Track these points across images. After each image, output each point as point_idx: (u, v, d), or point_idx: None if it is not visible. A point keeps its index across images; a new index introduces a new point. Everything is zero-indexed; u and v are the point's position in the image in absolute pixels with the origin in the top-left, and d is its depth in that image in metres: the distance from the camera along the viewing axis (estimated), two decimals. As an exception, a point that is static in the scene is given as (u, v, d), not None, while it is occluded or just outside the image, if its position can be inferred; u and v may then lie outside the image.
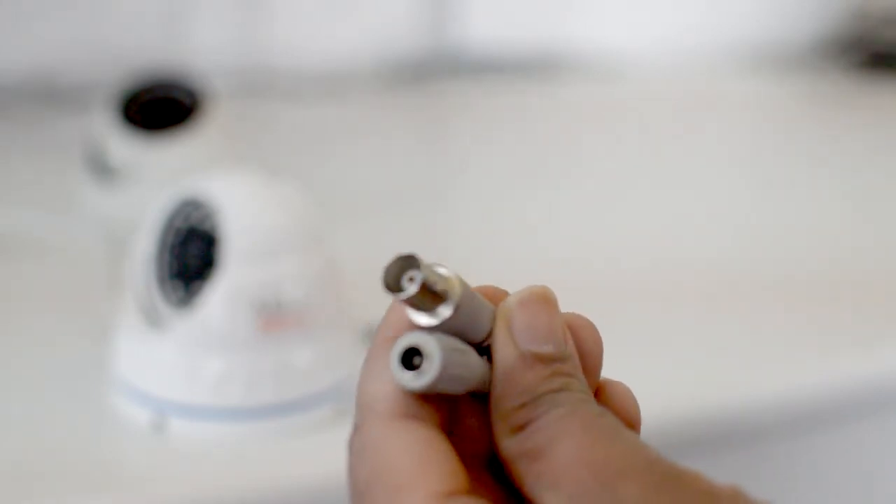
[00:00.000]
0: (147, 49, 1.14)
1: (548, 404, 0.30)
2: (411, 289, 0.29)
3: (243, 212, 0.57)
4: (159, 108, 0.83)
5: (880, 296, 0.78)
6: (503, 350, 0.31)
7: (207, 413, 0.58)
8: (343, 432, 0.58)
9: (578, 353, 0.32)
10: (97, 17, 1.14)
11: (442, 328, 0.30)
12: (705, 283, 0.79)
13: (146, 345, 0.58)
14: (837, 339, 0.72)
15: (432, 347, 0.29)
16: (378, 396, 0.30)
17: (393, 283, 0.29)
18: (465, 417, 0.32)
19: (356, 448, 0.30)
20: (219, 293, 0.56)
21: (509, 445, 0.30)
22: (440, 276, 0.29)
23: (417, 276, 0.29)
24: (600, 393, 0.33)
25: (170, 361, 0.57)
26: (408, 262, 0.29)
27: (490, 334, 0.31)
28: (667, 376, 0.63)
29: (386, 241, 0.84)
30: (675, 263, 0.82)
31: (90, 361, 0.63)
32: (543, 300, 0.31)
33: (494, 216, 0.90)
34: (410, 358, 0.29)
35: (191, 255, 0.57)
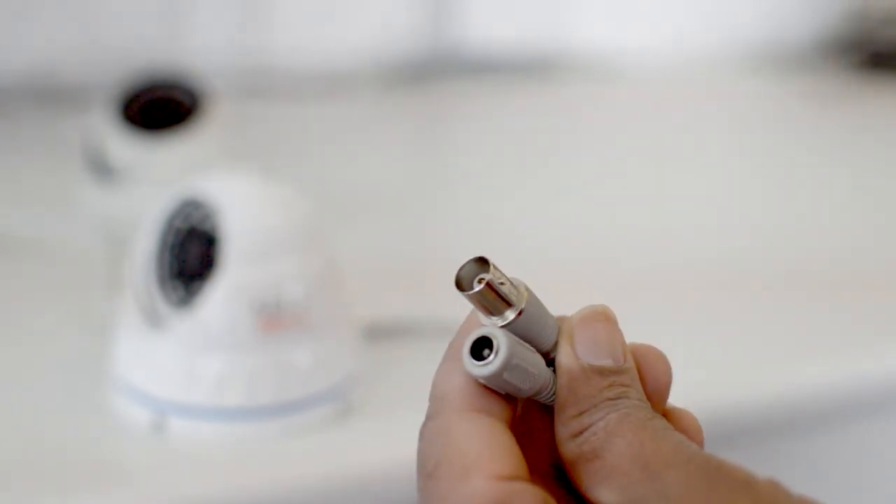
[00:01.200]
0: (147, 49, 1.14)
1: (604, 410, 0.32)
2: (477, 288, 0.32)
3: (243, 212, 0.57)
4: (159, 108, 0.83)
5: (881, 295, 0.78)
6: (566, 363, 0.33)
7: (207, 413, 0.58)
8: (343, 433, 0.58)
9: (645, 379, 0.34)
10: (97, 17, 1.14)
11: (509, 331, 0.32)
12: (705, 284, 0.79)
13: (146, 345, 0.58)
14: (838, 339, 0.72)
15: (500, 338, 0.31)
16: (452, 390, 0.32)
17: (465, 284, 0.32)
18: (535, 430, 0.35)
19: (427, 434, 0.32)
20: (219, 293, 0.56)
21: (569, 449, 0.33)
22: (509, 280, 0.32)
23: (486, 276, 0.32)
24: (666, 417, 0.35)
25: (170, 361, 0.57)
26: (480, 265, 0.32)
27: (555, 347, 0.34)
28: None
29: (386, 241, 0.84)
30: (675, 263, 0.82)
31: (90, 361, 0.63)
32: (604, 318, 0.34)
33: (494, 216, 0.90)
34: (480, 351, 0.32)
35: (191, 255, 0.57)
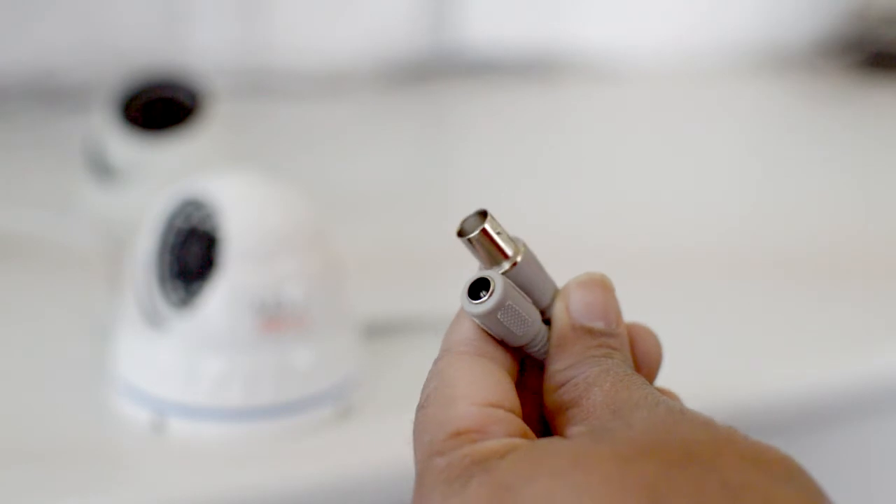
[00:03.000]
0: (147, 49, 1.14)
1: (587, 365, 0.34)
2: (475, 233, 0.34)
3: (243, 212, 0.57)
4: (159, 108, 0.83)
5: (881, 294, 0.78)
6: (559, 321, 0.35)
7: (207, 413, 0.58)
8: (343, 433, 0.58)
9: (636, 354, 0.36)
10: (97, 17, 1.14)
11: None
12: (705, 282, 0.79)
13: (146, 345, 0.58)
14: (838, 338, 0.72)
15: (496, 279, 0.33)
16: (457, 339, 0.35)
17: (465, 232, 0.34)
18: (529, 389, 0.36)
19: (428, 376, 0.34)
20: (219, 293, 0.56)
21: (552, 400, 0.34)
22: (507, 235, 0.35)
23: (484, 225, 0.34)
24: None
25: (170, 361, 0.57)
26: (482, 218, 0.34)
27: (550, 306, 0.36)
28: (666, 376, 0.63)
29: (386, 241, 0.84)
30: (675, 263, 0.82)
31: (90, 361, 0.63)
32: (600, 284, 0.36)
33: (494, 215, 0.90)
34: (478, 293, 0.34)
35: (191, 256, 0.57)
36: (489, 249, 0.35)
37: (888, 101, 1.30)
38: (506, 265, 0.35)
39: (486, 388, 0.33)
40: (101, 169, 0.82)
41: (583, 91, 1.30)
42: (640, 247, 0.85)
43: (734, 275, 0.81)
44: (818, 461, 0.69)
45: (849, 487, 0.71)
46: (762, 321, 0.74)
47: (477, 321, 0.34)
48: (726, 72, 1.38)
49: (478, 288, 0.34)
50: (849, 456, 0.71)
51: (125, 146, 0.81)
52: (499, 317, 0.34)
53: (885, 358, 0.71)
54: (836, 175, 1.08)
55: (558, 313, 0.35)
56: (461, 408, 0.32)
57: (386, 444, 0.57)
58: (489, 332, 0.34)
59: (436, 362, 0.34)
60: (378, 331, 0.67)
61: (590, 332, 0.35)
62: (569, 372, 0.34)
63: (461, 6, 1.28)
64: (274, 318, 0.57)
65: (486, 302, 0.33)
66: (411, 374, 0.62)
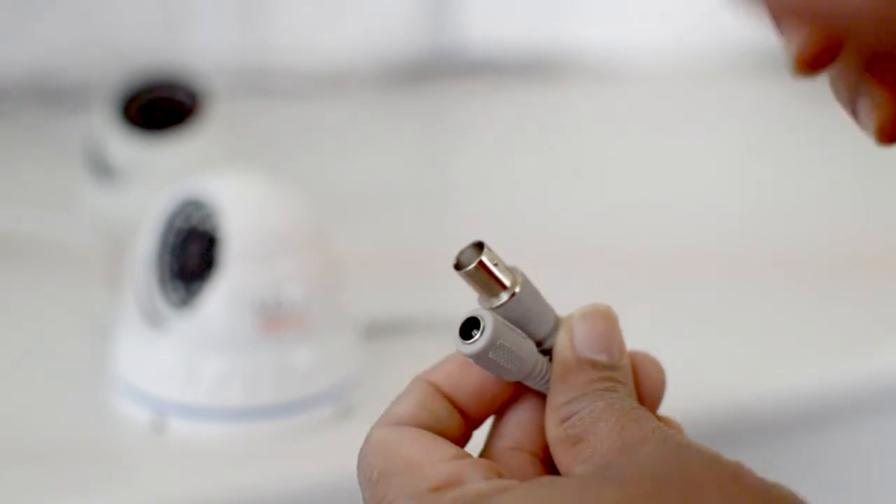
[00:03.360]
0: (147, 49, 1.14)
1: (592, 398, 0.34)
2: (472, 266, 0.34)
3: (243, 212, 0.57)
4: (159, 108, 0.83)
5: (881, 294, 0.78)
6: (562, 353, 0.35)
7: (207, 413, 0.58)
8: (343, 433, 0.58)
9: (640, 385, 0.36)
10: (97, 17, 1.14)
11: (503, 314, 0.34)
12: (705, 280, 0.79)
13: (146, 345, 0.58)
14: (838, 338, 0.72)
15: (487, 318, 0.33)
16: (394, 410, 0.34)
17: (462, 265, 0.34)
18: (531, 417, 0.36)
19: (361, 454, 0.34)
20: (219, 293, 0.56)
21: (555, 434, 0.34)
22: (505, 265, 0.34)
23: (481, 257, 0.34)
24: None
25: (170, 361, 0.57)
26: (478, 250, 0.34)
27: (550, 336, 0.35)
28: (666, 376, 0.63)
29: (386, 241, 0.84)
30: (675, 263, 0.82)
31: (90, 361, 0.63)
32: (604, 315, 0.35)
33: (494, 215, 0.90)
34: (469, 332, 0.33)
35: (191, 256, 0.57)
36: (487, 281, 0.34)
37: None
38: (504, 297, 0.34)
39: (440, 447, 0.32)
40: (101, 169, 0.82)
41: (583, 91, 1.30)
42: (640, 247, 0.85)
43: (734, 275, 0.81)
44: (818, 461, 0.69)
45: (849, 487, 0.71)
46: (762, 321, 0.74)
47: (470, 360, 0.34)
48: (726, 72, 1.38)
49: (469, 326, 0.33)
50: (849, 456, 0.71)
51: (125, 146, 0.81)
52: (490, 356, 0.33)
53: (885, 358, 0.71)
54: (836, 175, 1.08)
55: (561, 345, 0.35)
56: (428, 468, 0.32)
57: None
58: (484, 368, 0.34)
59: (366, 439, 0.34)
60: (378, 331, 0.67)
61: (594, 364, 0.34)
62: (573, 406, 0.34)
63: (461, 6, 1.28)
64: (274, 318, 0.57)
65: (477, 342, 0.33)
66: (411, 374, 0.61)
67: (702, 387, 0.63)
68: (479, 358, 0.33)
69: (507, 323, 0.34)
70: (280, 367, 0.58)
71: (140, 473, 0.57)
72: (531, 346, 0.35)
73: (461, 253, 0.34)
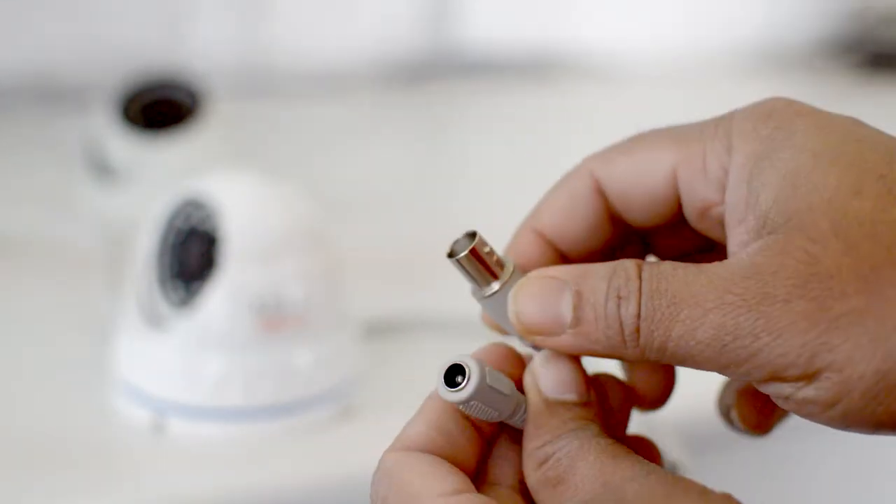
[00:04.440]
0: (147, 49, 1.14)
1: (567, 439, 0.33)
2: (464, 254, 0.34)
3: (243, 212, 0.57)
4: (159, 108, 0.83)
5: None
6: (531, 399, 0.34)
7: (207, 413, 0.58)
8: (343, 433, 0.58)
9: (606, 406, 0.36)
10: (97, 17, 1.14)
11: (493, 303, 0.35)
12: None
13: (146, 345, 0.58)
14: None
15: (472, 365, 0.33)
16: (406, 433, 0.34)
17: (455, 253, 0.34)
18: (513, 451, 0.35)
19: (374, 480, 0.34)
20: (219, 293, 0.56)
21: (535, 478, 0.33)
22: (497, 256, 0.35)
23: (472, 244, 0.34)
24: (627, 443, 0.35)
25: (170, 361, 0.57)
26: (470, 237, 0.34)
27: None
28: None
29: (386, 241, 0.84)
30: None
31: (90, 361, 0.63)
32: (565, 358, 0.34)
33: (494, 215, 0.90)
34: (454, 377, 0.33)
35: (191, 255, 0.57)
36: (478, 270, 0.35)
37: (888, 101, 1.30)
38: (495, 286, 0.35)
39: (442, 478, 0.32)
40: (101, 169, 0.82)
41: (583, 91, 1.30)
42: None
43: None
44: (818, 461, 0.69)
45: (849, 487, 0.71)
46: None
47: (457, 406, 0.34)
48: (726, 72, 1.38)
49: (454, 373, 0.33)
50: (848, 456, 0.71)
51: (125, 146, 0.81)
52: (477, 401, 0.33)
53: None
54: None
55: (529, 390, 0.35)
56: (425, 501, 0.32)
57: (386, 444, 0.57)
58: (469, 413, 0.34)
59: (379, 465, 0.34)
60: (378, 331, 0.67)
61: (563, 405, 0.34)
62: (548, 448, 0.33)
63: (461, 6, 1.28)
64: (274, 318, 0.57)
65: (464, 390, 0.33)
66: (411, 374, 0.62)
67: (701, 386, 0.63)
68: (466, 404, 0.33)
69: (490, 368, 0.34)
70: (280, 367, 0.58)
71: (140, 473, 0.57)
72: (512, 385, 0.35)
73: (455, 242, 0.35)
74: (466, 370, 0.33)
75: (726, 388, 0.39)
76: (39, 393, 0.62)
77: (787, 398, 0.31)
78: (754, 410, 0.38)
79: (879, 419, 0.30)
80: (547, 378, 0.34)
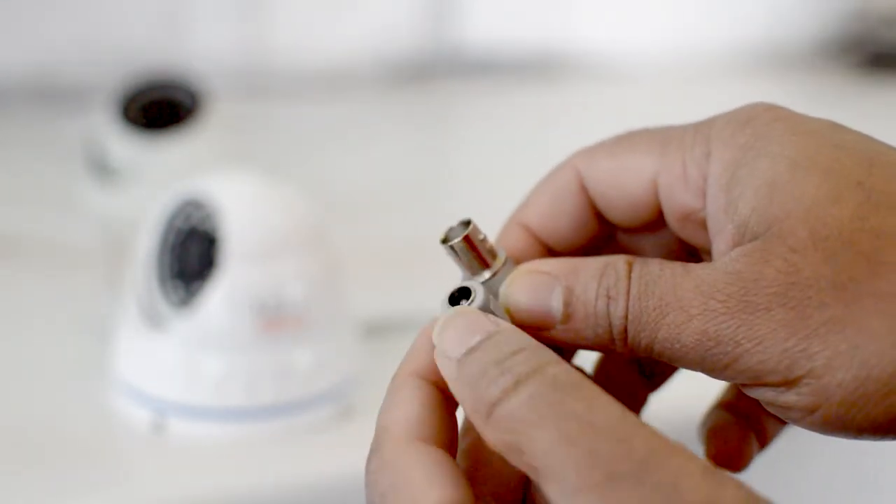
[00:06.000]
0: (147, 49, 1.14)
1: (505, 403, 0.29)
2: (457, 240, 0.34)
3: (243, 212, 0.57)
4: (159, 108, 0.83)
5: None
6: (445, 370, 0.31)
7: (207, 413, 0.58)
8: (343, 433, 0.58)
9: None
10: (97, 17, 1.14)
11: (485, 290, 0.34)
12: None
13: (146, 345, 0.58)
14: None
15: (477, 288, 0.34)
16: (395, 421, 0.32)
17: (449, 239, 0.35)
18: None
19: (373, 467, 0.32)
20: (219, 293, 0.56)
21: (492, 438, 0.30)
22: (490, 244, 0.35)
23: (467, 232, 0.34)
24: None
25: (170, 361, 0.57)
26: (465, 225, 0.35)
27: None
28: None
29: (386, 241, 0.84)
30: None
31: (90, 361, 0.63)
32: (457, 315, 0.32)
33: (494, 215, 0.90)
34: (458, 303, 0.34)
35: (191, 256, 0.57)
36: (471, 258, 0.35)
37: (888, 101, 1.30)
38: (487, 274, 0.35)
39: (443, 484, 0.30)
40: (101, 169, 0.82)
41: (583, 91, 1.30)
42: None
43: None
44: (818, 460, 0.69)
45: (849, 487, 0.71)
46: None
47: None
48: (726, 72, 1.38)
49: (458, 298, 0.34)
50: (848, 455, 0.71)
51: (125, 146, 0.81)
52: None
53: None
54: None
55: (440, 365, 0.32)
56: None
57: (386, 444, 0.57)
58: None
59: (376, 451, 0.32)
60: (378, 331, 0.67)
61: (472, 353, 0.31)
62: (491, 419, 0.30)
63: (461, 6, 1.28)
64: (274, 318, 0.57)
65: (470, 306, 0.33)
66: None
67: (701, 385, 0.63)
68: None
69: (494, 298, 0.34)
70: (280, 367, 0.58)
71: (140, 473, 0.57)
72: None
73: (450, 229, 0.35)
74: (472, 293, 0.34)
75: (701, 427, 0.40)
76: (39, 393, 0.62)
77: (770, 402, 0.31)
78: (724, 449, 0.38)
79: (860, 425, 0.31)
80: (447, 340, 0.32)
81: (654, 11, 1.39)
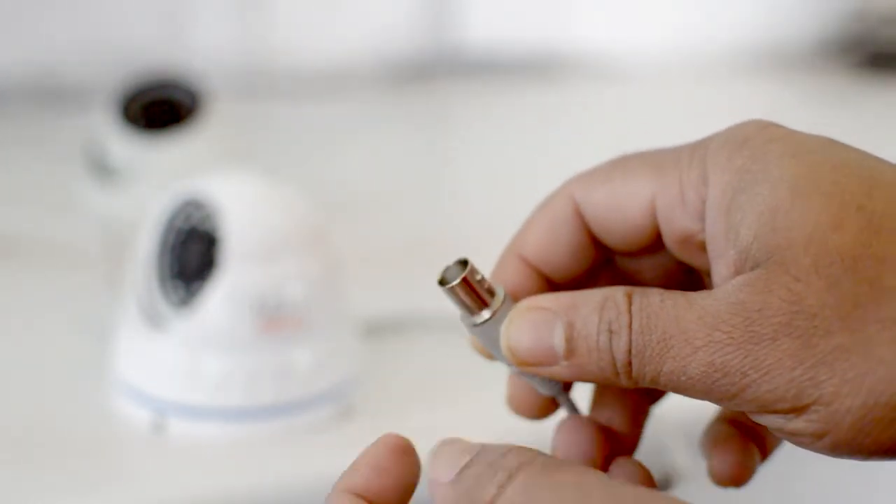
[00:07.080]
0: (147, 49, 1.14)
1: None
2: (455, 283, 0.34)
3: (243, 212, 0.57)
4: (159, 108, 0.83)
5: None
6: (440, 498, 0.32)
7: (207, 413, 0.58)
8: (343, 433, 0.58)
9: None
10: (97, 17, 1.14)
11: (483, 332, 0.35)
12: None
13: (146, 345, 0.58)
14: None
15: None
16: (346, 482, 0.34)
17: (447, 281, 0.34)
18: None
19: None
20: (219, 293, 0.56)
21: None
22: (488, 284, 0.34)
23: (464, 272, 0.34)
24: None
25: (170, 361, 0.57)
26: (463, 266, 0.34)
27: None
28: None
29: (386, 241, 0.84)
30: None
31: (90, 361, 0.63)
32: (443, 445, 0.32)
33: (495, 215, 0.90)
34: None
35: (191, 256, 0.57)
36: (469, 298, 0.34)
37: (888, 101, 1.30)
38: (486, 314, 0.34)
39: None
40: (101, 169, 0.82)
41: (583, 91, 1.30)
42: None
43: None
44: (817, 460, 0.69)
45: (849, 487, 0.71)
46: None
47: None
48: (726, 72, 1.38)
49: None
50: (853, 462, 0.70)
51: (125, 146, 0.81)
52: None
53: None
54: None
55: (432, 491, 0.32)
56: None
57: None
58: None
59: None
60: (378, 330, 0.67)
61: (467, 467, 0.32)
62: None
63: (461, 6, 1.28)
64: (274, 318, 0.57)
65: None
66: (411, 373, 0.62)
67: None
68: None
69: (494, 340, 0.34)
70: (280, 367, 0.58)
71: (140, 473, 0.57)
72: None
73: (446, 269, 0.35)
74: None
75: (702, 442, 0.39)
76: (39, 393, 0.62)
77: (778, 429, 0.31)
78: (726, 464, 0.38)
79: (868, 448, 0.31)
80: (435, 466, 0.32)
81: (654, 11, 1.39)
